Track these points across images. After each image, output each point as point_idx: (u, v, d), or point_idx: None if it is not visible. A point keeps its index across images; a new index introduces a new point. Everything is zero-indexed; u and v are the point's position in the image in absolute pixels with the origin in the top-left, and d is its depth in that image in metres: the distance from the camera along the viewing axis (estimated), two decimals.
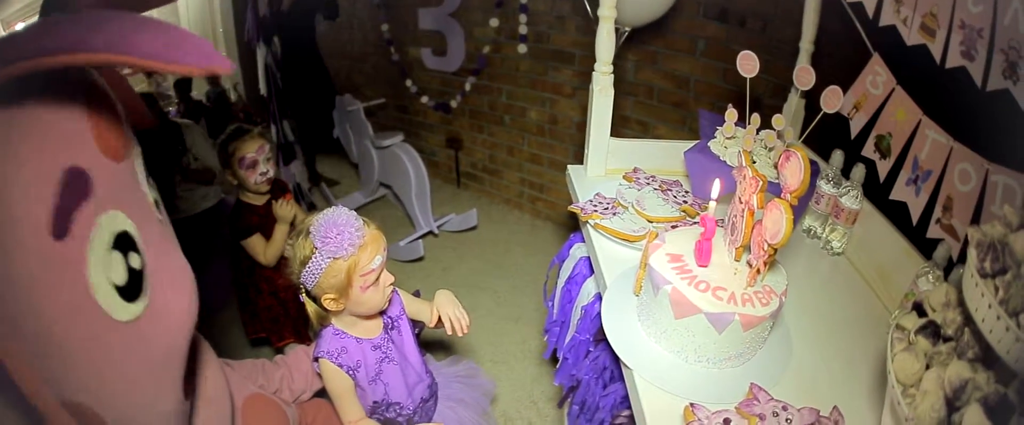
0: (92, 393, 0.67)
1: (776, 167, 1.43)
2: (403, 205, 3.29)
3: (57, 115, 0.63)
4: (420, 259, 3.01)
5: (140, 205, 0.75)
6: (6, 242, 0.58)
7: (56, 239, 0.60)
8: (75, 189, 0.63)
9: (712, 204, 1.05)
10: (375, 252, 1.25)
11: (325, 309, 1.30)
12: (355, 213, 1.25)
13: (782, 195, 0.97)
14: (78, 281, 0.63)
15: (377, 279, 1.29)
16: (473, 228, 3.30)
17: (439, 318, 1.46)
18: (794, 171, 0.97)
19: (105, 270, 0.65)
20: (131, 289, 0.69)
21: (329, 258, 1.20)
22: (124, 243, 0.69)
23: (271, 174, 2.03)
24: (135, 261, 0.70)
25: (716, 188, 1.05)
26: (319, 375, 1.37)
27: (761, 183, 0.97)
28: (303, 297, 1.30)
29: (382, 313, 1.42)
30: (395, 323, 1.44)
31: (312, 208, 3.28)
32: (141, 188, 0.78)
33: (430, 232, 3.18)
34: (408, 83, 3.55)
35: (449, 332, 1.44)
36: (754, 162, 1.41)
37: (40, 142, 0.61)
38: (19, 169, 0.58)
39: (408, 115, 3.79)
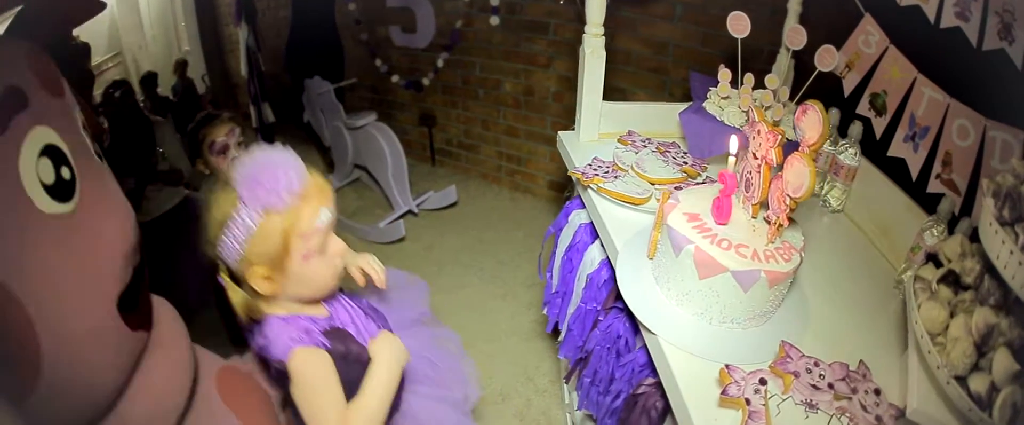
0: (14, 277, 0.72)
1: (775, 125, 1.43)
2: (380, 186, 3.21)
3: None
4: (401, 240, 2.96)
5: (76, 137, 0.86)
6: None
7: None
8: (14, 100, 0.75)
9: (731, 159, 1.03)
10: (321, 204, 0.97)
11: (254, 293, 1.00)
12: (293, 153, 0.97)
13: (801, 149, 0.96)
14: (10, 171, 0.73)
15: (323, 246, 1.00)
16: (453, 205, 3.25)
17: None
18: (813, 124, 0.95)
19: (35, 170, 0.75)
20: (59, 192, 0.79)
21: (259, 212, 0.92)
22: (55, 156, 0.79)
23: None
24: (66, 173, 0.80)
25: (734, 143, 1.03)
26: (286, 378, 1.00)
27: (780, 137, 0.95)
28: (223, 278, 1.00)
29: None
30: (336, 294, 1.17)
31: None
32: (79, 130, 0.89)
33: (409, 211, 3.12)
34: (378, 62, 3.46)
35: (378, 285, 1.23)
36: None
37: None
38: None
39: (379, 95, 3.69)
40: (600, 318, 1.30)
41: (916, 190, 1.29)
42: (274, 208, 0.91)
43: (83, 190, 0.82)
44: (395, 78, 3.45)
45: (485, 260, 2.88)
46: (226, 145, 1.88)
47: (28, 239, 0.74)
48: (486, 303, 2.59)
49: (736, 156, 1.03)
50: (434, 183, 3.39)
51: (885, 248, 1.32)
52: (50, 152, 0.78)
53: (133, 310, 0.86)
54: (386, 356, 1.06)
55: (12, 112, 0.74)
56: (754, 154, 1.01)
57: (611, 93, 2.74)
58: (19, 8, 1.00)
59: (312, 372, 0.98)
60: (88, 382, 0.81)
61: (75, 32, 1.56)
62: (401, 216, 3.08)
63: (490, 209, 3.33)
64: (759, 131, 1.00)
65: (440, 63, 3.27)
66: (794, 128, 0.98)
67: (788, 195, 0.94)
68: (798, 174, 0.92)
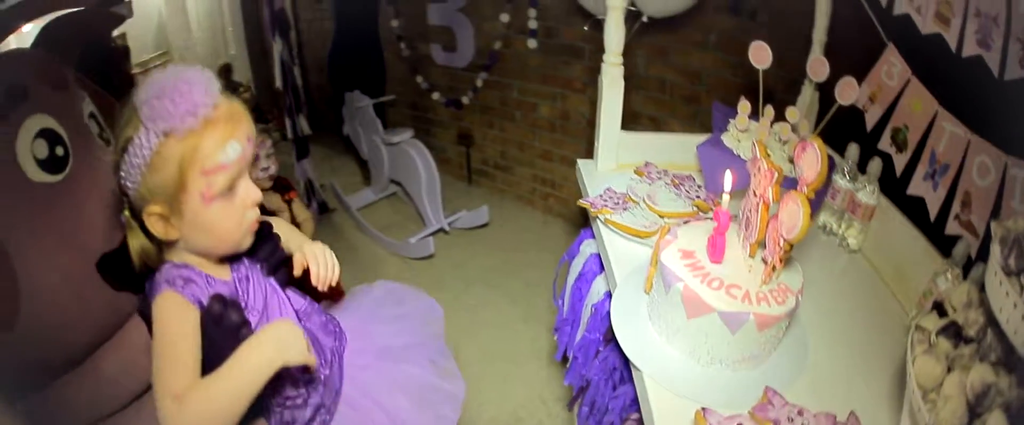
0: (1, 228, 0.91)
1: (791, 160, 1.40)
2: (413, 202, 3.27)
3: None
4: (430, 256, 2.99)
5: (77, 122, 1.04)
6: None
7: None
8: (16, 94, 0.97)
9: (725, 197, 1.01)
10: (230, 135, 0.82)
11: (152, 238, 0.86)
12: (212, 76, 0.83)
13: (798, 188, 0.94)
14: (8, 148, 0.94)
15: (231, 187, 0.86)
16: (484, 225, 3.27)
17: (305, 269, 1.02)
18: (811, 162, 0.93)
19: (30, 148, 0.94)
20: (51, 165, 0.96)
21: (157, 136, 0.78)
22: (52, 137, 0.97)
23: (272, 170, 2.04)
24: (59, 151, 0.98)
25: (728, 180, 1.02)
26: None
27: (777, 175, 0.93)
28: (126, 216, 0.87)
29: (239, 257, 0.97)
30: (249, 269, 0.99)
31: (323, 208, 3.26)
32: (82, 117, 1.07)
33: (441, 229, 3.16)
34: (419, 79, 3.53)
35: (313, 282, 1.00)
36: (768, 155, 1.38)
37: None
38: None
39: (419, 112, 3.76)
40: (601, 348, 1.29)
41: (935, 231, 1.24)
42: (173, 131, 0.78)
43: (75, 165, 0.99)
44: (436, 95, 3.51)
45: (512, 281, 2.88)
46: (255, 155, 1.95)
47: (15, 199, 0.92)
48: (509, 324, 2.60)
49: (730, 193, 1.02)
50: (469, 202, 3.42)
51: (900, 292, 1.27)
52: (47, 134, 0.97)
53: (119, 273, 1.00)
54: (266, 339, 0.86)
55: (14, 103, 0.98)
56: (754, 191, 1.00)
57: (644, 122, 2.75)
58: (45, 24, 1.24)
59: (167, 321, 0.83)
60: (61, 326, 0.95)
61: (118, 32, 1.76)
62: (432, 233, 3.11)
63: (522, 231, 3.34)
64: (759, 168, 0.98)
65: (479, 82, 3.32)
66: (792, 163, 0.96)
67: (782, 236, 0.92)
68: (792, 215, 0.90)
